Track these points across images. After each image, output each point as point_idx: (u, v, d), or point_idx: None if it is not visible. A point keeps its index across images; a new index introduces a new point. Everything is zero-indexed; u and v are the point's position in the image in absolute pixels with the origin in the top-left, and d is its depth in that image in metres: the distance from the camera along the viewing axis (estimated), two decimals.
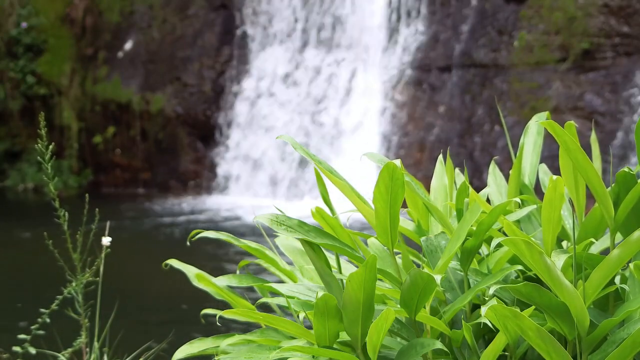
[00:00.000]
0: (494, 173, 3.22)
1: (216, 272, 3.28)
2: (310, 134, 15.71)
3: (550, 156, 11.87)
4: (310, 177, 15.46)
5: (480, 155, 14.08)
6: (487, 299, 2.62)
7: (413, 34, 15.43)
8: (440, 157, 3.19)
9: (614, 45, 13.83)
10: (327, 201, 2.94)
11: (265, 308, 3.14)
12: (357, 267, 2.79)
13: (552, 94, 13.91)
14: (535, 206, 2.97)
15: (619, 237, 2.79)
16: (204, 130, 16.53)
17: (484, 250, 2.93)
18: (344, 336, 2.66)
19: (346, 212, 3.04)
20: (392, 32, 15.61)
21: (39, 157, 3.70)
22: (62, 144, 17.35)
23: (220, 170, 16.36)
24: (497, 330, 2.54)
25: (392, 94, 15.33)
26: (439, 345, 2.56)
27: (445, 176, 3.12)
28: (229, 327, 7.50)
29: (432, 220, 3.02)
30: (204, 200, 16.02)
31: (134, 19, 17.42)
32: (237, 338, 2.81)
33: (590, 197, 2.79)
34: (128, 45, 17.39)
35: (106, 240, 3.95)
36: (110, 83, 17.25)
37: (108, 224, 4.13)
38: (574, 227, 2.65)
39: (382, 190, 2.63)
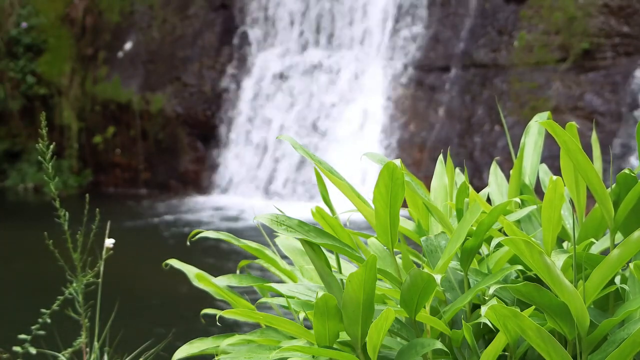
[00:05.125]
0: (495, 173, 3.22)
1: (216, 272, 3.28)
2: (310, 133, 15.71)
3: (550, 156, 11.86)
4: (310, 177, 15.46)
5: (480, 155, 14.08)
6: (487, 298, 2.62)
7: (413, 34, 15.43)
8: (441, 157, 3.19)
9: (614, 45, 13.83)
10: (327, 201, 2.94)
11: (265, 308, 3.14)
12: (357, 267, 2.79)
13: (552, 94, 13.91)
14: (535, 206, 2.97)
15: (619, 237, 2.79)
16: (204, 130, 16.53)
17: (484, 250, 2.93)
18: (344, 336, 2.66)
19: (346, 212, 3.04)
20: (392, 32, 15.61)
21: (39, 157, 3.69)
22: (62, 144, 17.34)
23: (220, 170, 16.35)
24: (497, 330, 2.54)
25: (392, 94, 15.33)
26: (439, 345, 2.56)
27: (446, 176, 3.11)
28: (228, 327, 7.50)
29: (432, 220, 3.01)
30: (204, 200, 16.01)
31: (134, 19, 17.41)
32: (237, 338, 2.81)
33: (590, 198, 2.79)
34: (128, 45, 17.38)
35: (109, 242, 3.94)
36: (110, 83, 17.25)
37: (109, 224, 4.12)
38: (574, 227, 2.65)
39: (382, 190, 2.62)
